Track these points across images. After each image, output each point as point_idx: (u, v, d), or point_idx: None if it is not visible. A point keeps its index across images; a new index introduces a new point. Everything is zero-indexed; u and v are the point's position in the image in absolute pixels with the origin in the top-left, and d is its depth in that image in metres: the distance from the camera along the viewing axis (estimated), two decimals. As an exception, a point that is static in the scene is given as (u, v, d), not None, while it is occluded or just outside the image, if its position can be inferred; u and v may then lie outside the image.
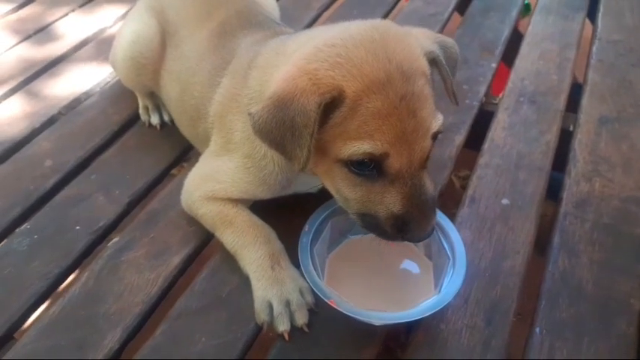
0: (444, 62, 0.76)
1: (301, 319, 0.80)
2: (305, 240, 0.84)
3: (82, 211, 1.04)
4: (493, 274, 0.88)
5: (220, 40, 0.99)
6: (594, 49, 1.45)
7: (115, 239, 0.97)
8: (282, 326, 0.80)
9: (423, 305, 0.79)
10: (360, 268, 0.87)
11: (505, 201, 1.01)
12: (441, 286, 0.81)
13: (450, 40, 0.82)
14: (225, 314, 0.84)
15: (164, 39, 1.11)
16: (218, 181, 0.89)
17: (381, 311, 0.78)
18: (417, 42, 0.74)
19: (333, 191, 0.78)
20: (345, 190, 0.75)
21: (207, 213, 0.92)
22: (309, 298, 0.82)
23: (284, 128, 0.68)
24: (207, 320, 0.84)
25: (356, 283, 0.84)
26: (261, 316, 0.81)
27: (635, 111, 1.21)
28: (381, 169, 0.71)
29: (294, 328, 0.80)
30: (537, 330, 0.81)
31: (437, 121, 0.72)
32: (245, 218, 0.90)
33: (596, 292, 0.86)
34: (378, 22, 0.75)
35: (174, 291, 0.91)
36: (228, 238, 0.90)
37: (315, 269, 0.80)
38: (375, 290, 0.84)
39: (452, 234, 0.85)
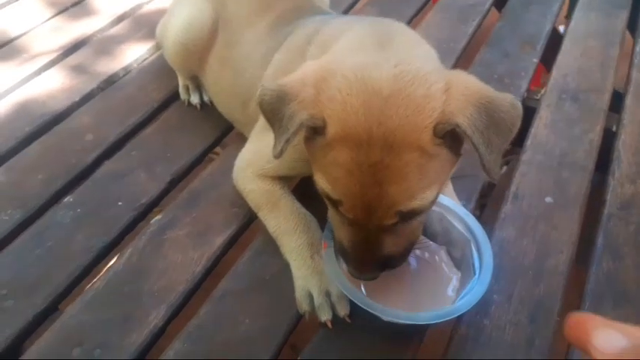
0: (472, 135, 0.61)
1: (343, 310, 0.80)
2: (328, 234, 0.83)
3: (124, 186, 1.04)
4: (536, 272, 0.88)
5: (277, 27, 1.00)
6: (637, 47, 1.43)
7: (158, 217, 0.98)
8: (325, 315, 0.80)
9: (432, 312, 0.76)
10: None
11: (549, 199, 1.00)
12: (458, 299, 0.80)
13: (505, 103, 0.65)
14: (268, 297, 0.85)
15: (216, 25, 1.11)
16: (268, 157, 0.89)
17: (394, 309, 0.76)
18: (437, 107, 0.63)
19: None
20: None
21: (256, 189, 0.92)
22: None
23: (276, 117, 0.68)
24: (251, 302, 0.84)
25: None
26: (303, 305, 0.81)
27: (680, 114, 1.19)
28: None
29: (335, 317, 0.81)
30: (581, 330, 0.81)
31: (411, 202, 0.65)
32: (289, 203, 0.90)
33: (640, 296, 0.86)
34: (408, 64, 0.65)
35: (216, 271, 0.91)
36: (271, 222, 0.90)
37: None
38: (394, 288, 0.81)
39: (485, 250, 0.82)
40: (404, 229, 0.71)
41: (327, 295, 0.81)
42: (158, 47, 1.37)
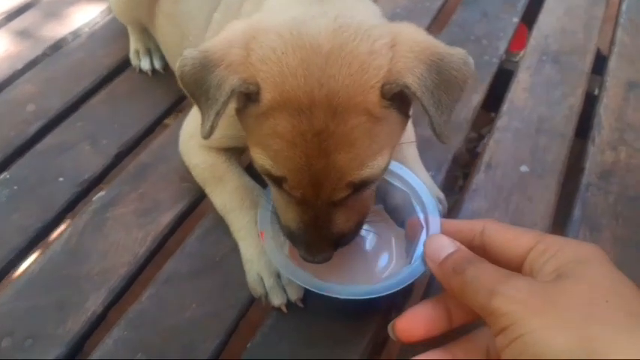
0: (422, 96, 0.55)
1: (294, 294, 0.74)
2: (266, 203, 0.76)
3: (66, 161, 0.96)
4: (508, 247, 0.82)
5: None
6: (624, 6, 1.34)
7: (101, 193, 0.90)
8: (277, 300, 0.73)
9: (396, 277, 0.69)
10: None
11: (524, 168, 0.93)
12: (412, 256, 0.72)
13: (456, 60, 0.58)
14: (219, 280, 0.78)
15: None
16: None
17: (346, 285, 0.69)
18: (383, 65, 0.56)
19: None
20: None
21: (200, 164, 0.85)
22: None
23: (200, 89, 0.59)
24: (199, 285, 0.78)
25: None
26: (257, 288, 0.75)
27: (667, 76, 1.12)
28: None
29: (290, 301, 0.74)
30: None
31: (362, 171, 0.58)
32: (234, 177, 0.83)
33: (619, 269, 0.80)
34: (348, 17, 0.58)
35: (163, 252, 0.84)
36: (217, 199, 0.83)
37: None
38: (335, 262, 0.71)
39: (425, 199, 0.75)
40: (355, 202, 0.64)
41: (278, 277, 0.74)
42: (110, 10, 1.27)
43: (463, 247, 0.61)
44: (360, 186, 0.61)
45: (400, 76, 0.55)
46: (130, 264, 0.80)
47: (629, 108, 1.05)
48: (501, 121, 1.02)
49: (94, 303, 0.76)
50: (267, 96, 0.56)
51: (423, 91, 0.55)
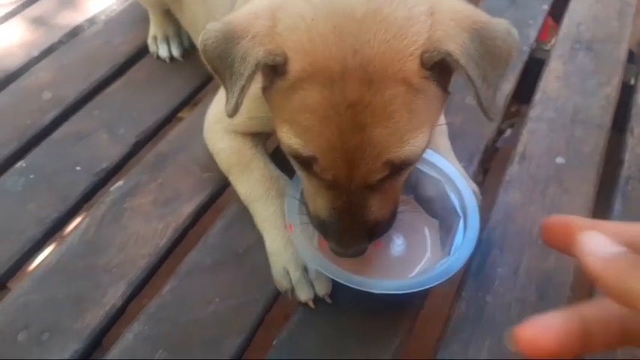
0: (466, 65, 0.51)
1: (322, 288, 0.70)
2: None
3: (83, 150, 0.93)
4: (546, 242, 0.78)
5: None
6: (658, -6, 1.29)
7: (119, 183, 0.87)
8: (304, 295, 0.70)
9: (435, 271, 0.65)
10: None
11: (560, 160, 0.89)
12: (451, 248, 0.69)
13: (500, 29, 0.54)
14: (243, 273, 0.75)
15: None
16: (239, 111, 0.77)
17: (381, 279, 0.66)
18: (422, 32, 0.52)
19: None
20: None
21: (226, 149, 0.81)
22: None
23: (224, 64, 0.55)
24: (222, 279, 0.74)
25: None
26: (283, 283, 0.71)
27: None
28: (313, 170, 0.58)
29: (318, 296, 0.71)
30: (596, 307, 0.71)
31: (402, 149, 0.54)
32: (261, 165, 0.79)
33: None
34: None
35: (184, 244, 0.81)
36: (242, 187, 0.79)
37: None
38: (367, 255, 0.68)
39: (460, 186, 0.72)
40: (389, 187, 0.59)
41: (305, 271, 0.70)
42: (127, -3, 1.24)
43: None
44: (399, 167, 0.56)
45: (441, 44, 0.51)
46: (150, 256, 0.77)
47: (669, 98, 1.01)
48: (534, 111, 0.98)
49: (113, 296, 0.73)
50: (295, 67, 0.52)
51: (467, 60, 0.50)
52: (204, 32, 0.56)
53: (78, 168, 0.90)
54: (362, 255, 0.62)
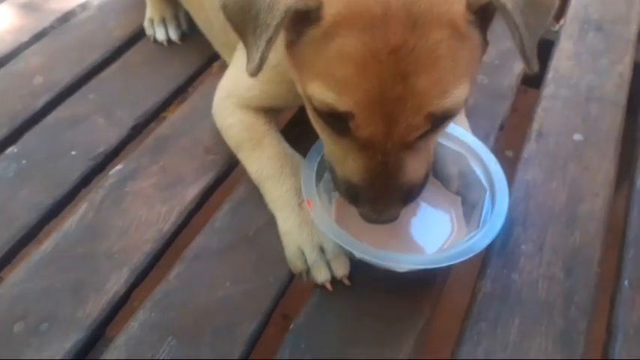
0: (512, 11, 0.48)
1: (340, 269, 0.66)
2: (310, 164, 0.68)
3: (79, 134, 0.88)
4: (570, 218, 0.74)
5: None
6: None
7: (119, 167, 0.82)
8: (321, 276, 0.66)
9: (465, 244, 0.62)
10: None
11: (577, 136, 0.86)
12: (479, 222, 0.66)
13: None
14: (254, 255, 0.70)
15: None
16: (250, 85, 0.73)
17: (409, 254, 0.63)
18: None
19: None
20: (315, 126, 0.60)
21: (237, 124, 0.77)
22: None
23: (247, 18, 0.51)
24: (232, 262, 0.70)
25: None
26: (297, 264, 0.67)
27: None
28: (347, 127, 0.54)
29: (335, 277, 0.67)
30: (626, 283, 0.68)
31: (445, 100, 0.50)
32: (274, 141, 0.75)
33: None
34: None
35: (190, 228, 0.77)
36: (253, 164, 0.75)
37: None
38: (390, 231, 0.65)
39: (485, 158, 0.69)
40: (424, 146, 0.56)
41: (322, 251, 0.66)
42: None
43: None
44: (440, 120, 0.53)
45: None
46: (154, 241, 0.73)
47: (682, 76, 0.99)
48: (547, 90, 0.95)
49: (116, 283, 0.68)
50: (330, 11, 0.49)
51: (513, 5, 0.48)
52: None
53: (73, 152, 0.85)
54: (394, 221, 0.58)
